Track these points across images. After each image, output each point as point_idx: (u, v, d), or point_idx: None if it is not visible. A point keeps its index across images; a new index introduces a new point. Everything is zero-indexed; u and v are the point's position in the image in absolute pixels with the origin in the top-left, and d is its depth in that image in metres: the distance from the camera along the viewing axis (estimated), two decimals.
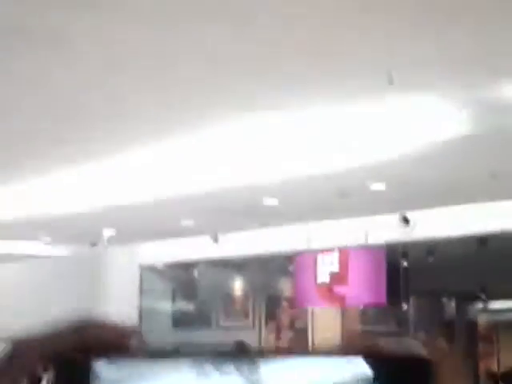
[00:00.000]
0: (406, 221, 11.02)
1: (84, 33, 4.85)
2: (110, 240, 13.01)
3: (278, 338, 15.59)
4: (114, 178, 9.30)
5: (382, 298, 11.82)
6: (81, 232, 12.38)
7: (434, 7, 4.61)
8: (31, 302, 15.43)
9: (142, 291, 15.35)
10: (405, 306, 12.69)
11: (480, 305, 12.60)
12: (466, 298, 12.56)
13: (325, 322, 15.21)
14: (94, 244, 13.37)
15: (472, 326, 12.82)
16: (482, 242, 10.86)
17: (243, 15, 4.69)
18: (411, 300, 12.67)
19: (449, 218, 10.63)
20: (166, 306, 15.74)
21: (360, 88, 6.09)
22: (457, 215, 10.56)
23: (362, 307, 14.05)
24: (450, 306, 13.08)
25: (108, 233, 12.19)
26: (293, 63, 5.52)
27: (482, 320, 12.93)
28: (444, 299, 13.21)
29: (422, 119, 6.93)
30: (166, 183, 9.26)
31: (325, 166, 8.16)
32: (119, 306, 15.22)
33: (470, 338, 12.78)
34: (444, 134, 7.10)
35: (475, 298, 12.45)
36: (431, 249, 11.51)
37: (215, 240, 13.41)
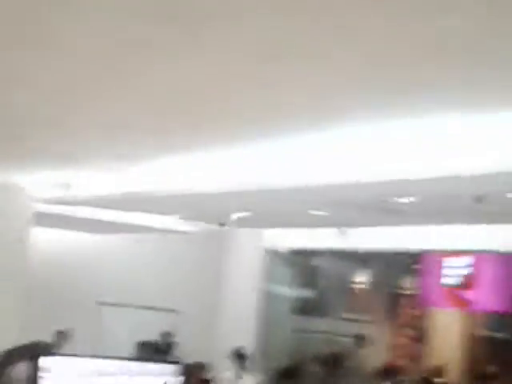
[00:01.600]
0: None
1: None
2: (239, 222, 13.20)
3: (397, 334, 15.48)
4: (252, 163, 9.43)
5: (510, 306, 11.56)
6: (212, 211, 12.62)
7: None
8: (159, 272, 15.88)
9: (265, 275, 15.53)
10: None
11: None
12: None
13: (445, 324, 14.99)
14: (222, 224, 13.60)
15: None
16: None
17: None
18: None
19: None
20: (286, 292, 15.87)
21: (501, 94, 5.95)
22: None
23: (486, 313, 13.76)
24: None
25: (238, 214, 12.38)
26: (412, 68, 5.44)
27: None
28: None
29: None
30: (301, 172, 9.32)
31: (464, 168, 8.02)
32: (241, 286, 15.47)
33: None
34: None
35: None
36: None
37: (343, 232, 13.41)
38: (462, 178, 8.18)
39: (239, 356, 12.36)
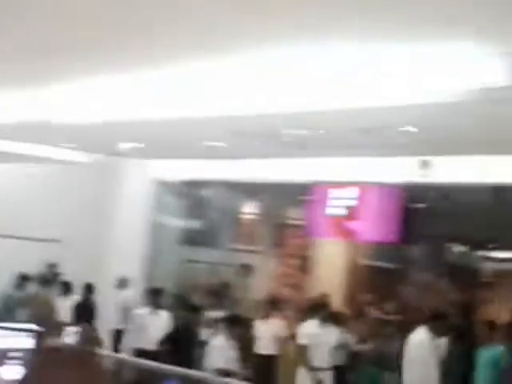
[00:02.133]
0: (425, 164, 11.09)
1: None
2: (130, 152, 13.11)
3: (283, 264, 15.81)
4: (144, 91, 9.35)
5: (394, 237, 11.97)
6: (102, 141, 12.47)
7: None
8: (45, 202, 15.62)
9: (154, 205, 15.53)
10: (413, 247, 12.87)
11: (487, 253, 12.75)
12: (475, 246, 12.71)
13: (330, 254, 15.39)
14: (113, 154, 13.48)
15: (475, 272, 12.99)
16: (498, 192, 10.98)
17: None
18: (420, 242, 12.82)
19: (468, 166, 10.71)
20: (175, 223, 15.93)
21: (410, 27, 6.10)
22: (476, 164, 10.63)
23: (369, 243, 14.21)
24: (458, 250, 13.24)
25: (128, 145, 12.28)
26: None
27: (487, 267, 13.10)
28: (453, 244, 13.36)
29: (457, 66, 6.95)
30: (193, 103, 9.30)
31: (354, 102, 8.18)
32: (129, 216, 15.43)
33: (471, 283, 12.97)
34: (477, 83, 7.10)
35: (484, 246, 12.60)
36: (447, 194, 11.62)
37: (233, 163, 13.52)
38: (348, 111, 8.35)
39: (154, 292, 12.37)
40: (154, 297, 12.14)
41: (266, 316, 11.91)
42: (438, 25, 5.81)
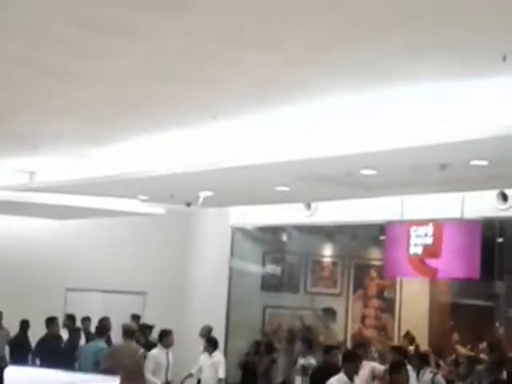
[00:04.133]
0: (504, 197, 10.87)
1: None
2: (206, 201, 13.21)
3: (365, 306, 15.64)
4: (215, 142, 9.45)
5: (475, 273, 11.72)
6: (177, 192, 12.61)
7: None
8: (126, 256, 15.86)
9: (232, 252, 15.59)
10: (497, 283, 12.57)
11: None
12: None
13: (413, 294, 15.16)
14: (189, 204, 13.61)
15: None
16: None
17: None
18: (504, 277, 12.51)
19: None
20: (255, 269, 15.94)
21: (472, 64, 6.04)
22: None
23: (452, 281, 13.96)
24: None
25: (204, 194, 12.38)
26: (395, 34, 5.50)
27: None
28: None
29: None
30: (265, 149, 9.35)
31: (425, 139, 8.10)
32: (211, 265, 15.51)
33: None
34: None
35: None
36: None
37: (308, 207, 13.50)
38: (424, 148, 8.26)
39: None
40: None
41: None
42: (499, 58, 5.72)
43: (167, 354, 11.81)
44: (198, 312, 15.19)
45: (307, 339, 12.76)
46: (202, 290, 15.56)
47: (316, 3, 5.04)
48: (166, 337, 11.86)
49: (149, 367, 11.59)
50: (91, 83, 7.03)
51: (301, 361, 11.77)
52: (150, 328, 14.33)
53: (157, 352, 11.81)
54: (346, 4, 5.03)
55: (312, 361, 11.50)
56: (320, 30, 5.48)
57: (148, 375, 11.59)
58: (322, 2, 5.00)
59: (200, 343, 13.44)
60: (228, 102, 7.68)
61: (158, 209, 14.85)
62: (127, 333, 11.76)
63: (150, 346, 12.60)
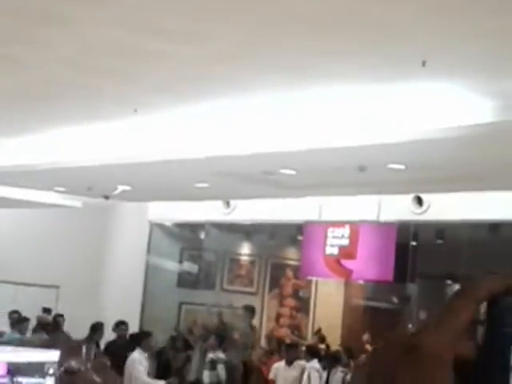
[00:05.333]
0: (419, 201, 11.07)
1: None
2: (124, 195, 13.09)
3: (280, 305, 15.73)
4: (134, 135, 9.36)
5: (389, 276, 11.89)
6: (94, 185, 12.45)
7: None
8: (40, 248, 15.58)
9: (150, 248, 15.47)
10: (410, 285, 12.78)
11: None
12: None
13: (328, 294, 15.31)
14: (107, 197, 13.45)
15: None
16: (494, 227, 10.93)
17: None
18: (417, 280, 12.74)
19: (462, 202, 10.67)
20: (172, 265, 15.86)
21: (391, 68, 6.12)
22: (470, 201, 10.60)
23: (366, 283, 14.14)
24: (455, 289, 13.14)
25: (121, 188, 12.26)
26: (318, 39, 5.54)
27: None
28: (449, 281, 13.29)
29: (445, 104, 6.96)
30: (185, 144, 9.30)
31: (345, 141, 8.18)
32: (126, 260, 15.37)
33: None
34: (466, 121, 7.12)
35: None
36: (441, 231, 11.58)
37: (226, 205, 13.49)
38: (343, 149, 8.34)
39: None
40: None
41: (268, 358, 11.81)
42: (419, 63, 5.82)
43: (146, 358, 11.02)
44: (112, 307, 15.02)
45: (220, 334, 12.77)
46: (118, 285, 15.39)
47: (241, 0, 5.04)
48: (146, 339, 11.20)
49: (141, 370, 10.67)
50: (9, 71, 6.88)
51: (210, 355, 11.78)
52: (61, 316, 14.19)
53: (138, 356, 10.89)
54: (273, 2, 5.04)
55: (221, 355, 11.49)
56: (244, 26, 5.48)
57: (145, 378, 10.76)
58: None
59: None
60: (149, 95, 7.62)
61: (75, 201, 14.63)
62: (41, 325, 11.54)
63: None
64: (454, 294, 0.67)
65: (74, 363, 6.04)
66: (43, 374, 3.43)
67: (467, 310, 0.66)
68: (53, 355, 3.58)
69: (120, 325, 13.30)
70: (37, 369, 3.42)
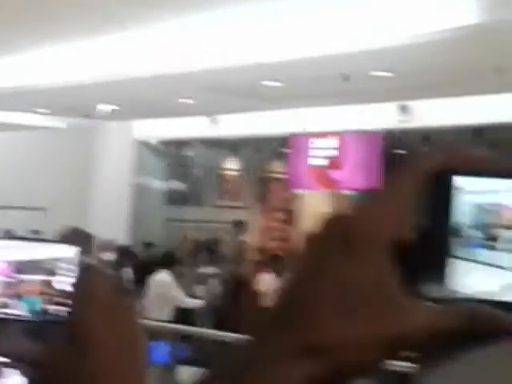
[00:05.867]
0: (404, 109, 11.07)
1: None
2: (107, 114, 13.01)
3: (269, 218, 15.83)
4: (114, 53, 9.24)
5: (376, 184, 11.93)
6: (78, 105, 12.35)
7: None
8: (26, 171, 15.55)
9: (136, 167, 15.47)
10: None
11: None
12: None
13: (314, 206, 15.41)
14: (90, 116, 13.37)
15: None
16: (478, 132, 10.97)
17: None
18: None
19: (446, 108, 10.68)
20: (159, 183, 15.88)
21: None
22: (454, 106, 10.61)
23: (353, 193, 14.22)
24: None
25: (105, 107, 12.18)
26: None
27: None
28: None
29: (430, 7, 6.89)
30: (166, 60, 9.21)
31: (328, 49, 8.11)
32: (113, 179, 15.38)
33: None
34: (451, 23, 7.05)
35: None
36: (427, 138, 11.60)
37: (213, 120, 13.44)
38: (326, 58, 8.28)
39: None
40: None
41: (259, 271, 11.92)
42: None
43: None
44: (100, 227, 15.08)
45: (211, 249, 12.87)
46: (105, 204, 15.42)
47: None
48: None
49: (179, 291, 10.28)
50: None
51: (202, 270, 11.90)
52: None
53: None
54: None
55: (212, 270, 11.60)
56: None
57: (187, 299, 10.44)
58: None
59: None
60: (132, 11, 7.50)
61: (59, 123, 14.53)
62: None
63: None
64: (399, 168, 0.56)
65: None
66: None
67: (410, 182, 0.54)
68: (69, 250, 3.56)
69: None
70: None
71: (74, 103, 12.19)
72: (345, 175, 12.54)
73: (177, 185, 16.10)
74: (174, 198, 15.97)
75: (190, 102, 11.54)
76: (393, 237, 0.52)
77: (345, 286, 0.52)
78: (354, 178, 12.38)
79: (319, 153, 12.78)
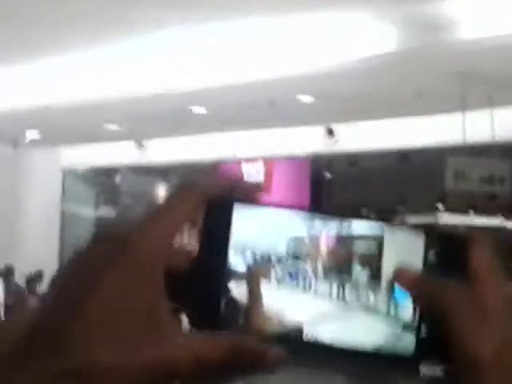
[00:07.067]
0: (330, 133, 11.16)
1: None
2: (33, 142, 12.82)
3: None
4: (39, 79, 9.14)
5: (305, 208, 12.00)
6: (3, 132, 12.15)
7: None
8: None
9: (64, 195, 15.25)
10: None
11: (398, 217, 12.92)
12: (385, 211, 12.87)
13: None
14: (16, 145, 13.15)
15: None
16: (404, 155, 11.13)
17: None
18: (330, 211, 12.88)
19: (373, 132, 10.81)
20: (88, 211, 15.68)
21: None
22: (380, 129, 10.74)
23: None
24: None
25: (31, 134, 11.99)
26: None
27: None
28: (364, 210, 13.49)
29: (353, 34, 6.98)
30: (93, 86, 9.14)
31: (254, 75, 8.16)
32: (40, 209, 15.13)
33: None
34: (372, 50, 7.16)
35: (394, 210, 12.76)
36: (354, 161, 11.72)
37: (140, 146, 13.35)
38: (252, 84, 8.32)
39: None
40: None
41: None
42: None
43: None
44: (28, 257, 14.81)
45: None
46: (33, 234, 15.16)
47: None
48: None
49: None
50: None
51: None
52: None
53: None
54: None
55: None
56: None
57: None
58: None
59: None
60: (61, 36, 7.42)
61: None
62: None
63: None
64: (174, 189, 0.55)
65: None
66: None
67: (182, 208, 0.53)
68: None
69: None
70: None
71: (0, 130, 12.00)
72: (274, 199, 12.54)
73: (106, 212, 15.92)
74: (103, 227, 15.78)
75: (117, 128, 11.46)
76: (168, 258, 0.51)
77: (110, 304, 0.49)
78: (283, 202, 12.39)
79: (247, 178, 12.80)
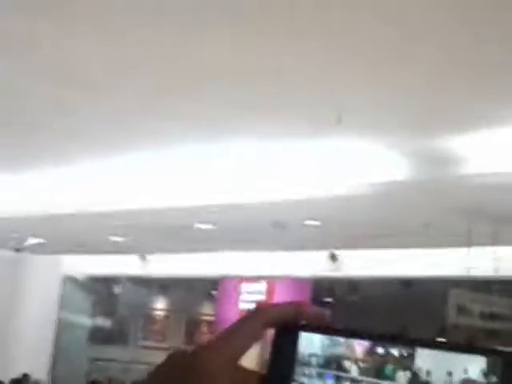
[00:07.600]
0: (333, 258, 11.15)
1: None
2: (36, 248, 12.82)
3: None
4: (48, 188, 9.20)
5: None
6: (6, 237, 12.16)
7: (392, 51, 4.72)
8: None
9: (62, 302, 15.13)
10: None
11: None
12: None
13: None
14: (18, 250, 13.15)
15: None
16: (406, 283, 11.09)
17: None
18: None
19: (376, 259, 10.79)
20: (84, 320, 15.53)
21: (306, 125, 6.19)
22: (383, 257, 10.72)
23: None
24: None
25: (34, 240, 12.01)
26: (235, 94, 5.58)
27: None
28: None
29: (362, 161, 7.06)
30: (99, 197, 9.19)
31: (260, 196, 8.21)
32: (37, 315, 14.98)
33: None
34: (382, 178, 7.22)
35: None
36: (355, 287, 11.67)
37: (142, 259, 13.34)
38: (260, 205, 8.37)
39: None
40: None
41: None
42: (330, 123, 5.90)
43: None
44: (21, 363, 14.58)
45: None
46: (27, 340, 14.96)
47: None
48: None
49: None
50: None
51: None
52: None
53: None
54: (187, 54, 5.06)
55: None
56: (154, 81, 5.48)
57: None
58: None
59: None
60: (56, 148, 7.52)
61: None
62: None
63: None
64: (243, 316, 0.62)
65: None
66: None
67: (251, 331, 0.60)
68: None
69: None
70: None
71: (3, 236, 12.01)
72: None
73: (102, 322, 15.75)
74: (99, 336, 15.59)
75: (121, 239, 11.47)
76: (231, 377, 0.57)
77: None
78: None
79: (248, 297, 12.73)
